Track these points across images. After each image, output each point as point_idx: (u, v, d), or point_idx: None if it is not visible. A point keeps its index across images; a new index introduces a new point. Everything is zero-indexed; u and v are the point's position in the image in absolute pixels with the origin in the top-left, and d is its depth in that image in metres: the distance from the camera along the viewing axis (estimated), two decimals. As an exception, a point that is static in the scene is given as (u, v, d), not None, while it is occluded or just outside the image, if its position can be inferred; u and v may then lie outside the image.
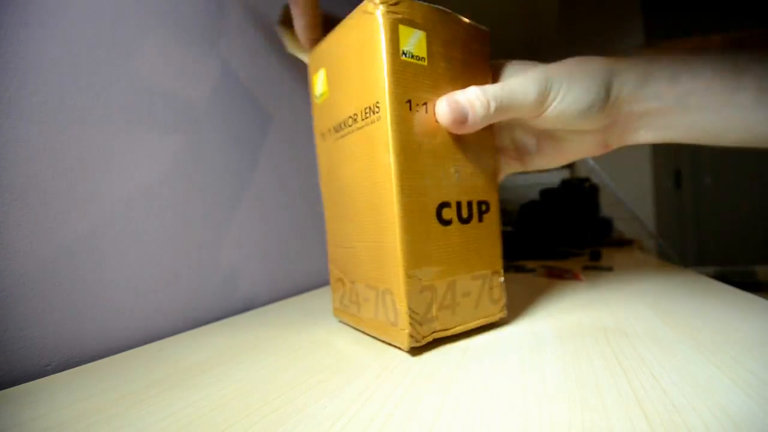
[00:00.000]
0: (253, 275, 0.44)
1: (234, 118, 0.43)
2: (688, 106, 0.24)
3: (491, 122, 0.25)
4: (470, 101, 0.24)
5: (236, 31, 0.44)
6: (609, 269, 0.52)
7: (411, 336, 0.22)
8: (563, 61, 0.26)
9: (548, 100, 0.24)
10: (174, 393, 0.19)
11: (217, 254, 0.39)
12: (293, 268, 0.51)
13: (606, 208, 1.11)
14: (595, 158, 1.36)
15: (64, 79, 0.27)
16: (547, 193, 0.85)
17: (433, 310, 0.24)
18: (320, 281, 0.55)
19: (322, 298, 0.44)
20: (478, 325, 0.26)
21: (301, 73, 0.55)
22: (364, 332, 0.28)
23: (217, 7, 0.41)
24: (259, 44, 0.47)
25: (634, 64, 0.25)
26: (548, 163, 0.32)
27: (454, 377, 0.19)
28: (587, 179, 0.86)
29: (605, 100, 0.24)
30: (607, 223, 0.90)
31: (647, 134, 0.27)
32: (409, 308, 0.22)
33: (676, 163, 2.61)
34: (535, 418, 0.15)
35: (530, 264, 0.58)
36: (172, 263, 0.35)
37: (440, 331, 0.24)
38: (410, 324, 0.22)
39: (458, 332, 0.25)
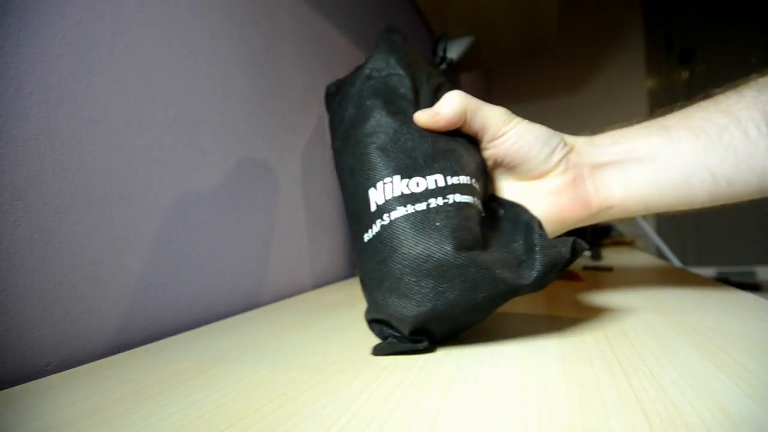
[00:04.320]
0: (253, 275, 0.44)
1: (234, 117, 0.43)
2: (634, 157, 0.28)
3: (462, 118, 0.27)
4: (447, 98, 0.27)
5: (237, 30, 0.44)
6: (609, 269, 0.52)
7: None
8: None
9: (512, 121, 0.28)
10: (174, 393, 0.19)
11: (217, 254, 0.39)
12: (293, 268, 0.51)
13: (606, 208, 1.11)
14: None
15: (64, 79, 0.27)
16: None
17: None
18: (320, 281, 0.55)
19: (322, 298, 0.44)
20: None
21: (302, 74, 0.55)
22: None
23: (219, 5, 0.41)
24: (261, 44, 0.47)
25: (575, 137, 0.30)
26: None
27: (454, 377, 0.19)
28: None
29: (559, 141, 0.28)
30: (606, 223, 0.90)
31: (619, 189, 0.28)
32: None
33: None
34: (535, 418, 0.15)
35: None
36: (172, 263, 0.35)
37: None
38: None
39: None
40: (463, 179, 0.25)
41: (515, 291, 0.22)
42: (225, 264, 0.40)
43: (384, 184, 0.25)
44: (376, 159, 0.26)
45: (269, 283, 0.46)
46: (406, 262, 0.22)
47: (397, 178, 0.25)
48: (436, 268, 0.22)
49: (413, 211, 0.23)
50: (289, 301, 0.44)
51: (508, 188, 0.30)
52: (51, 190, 0.26)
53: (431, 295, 0.22)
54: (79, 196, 0.28)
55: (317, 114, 0.58)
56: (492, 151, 0.28)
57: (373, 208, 0.25)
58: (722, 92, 0.28)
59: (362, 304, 0.38)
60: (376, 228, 0.24)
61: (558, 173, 0.28)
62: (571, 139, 0.29)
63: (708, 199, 0.27)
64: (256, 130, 0.46)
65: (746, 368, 0.18)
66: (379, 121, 0.27)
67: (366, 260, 0.25)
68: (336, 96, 0.32)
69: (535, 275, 0.22)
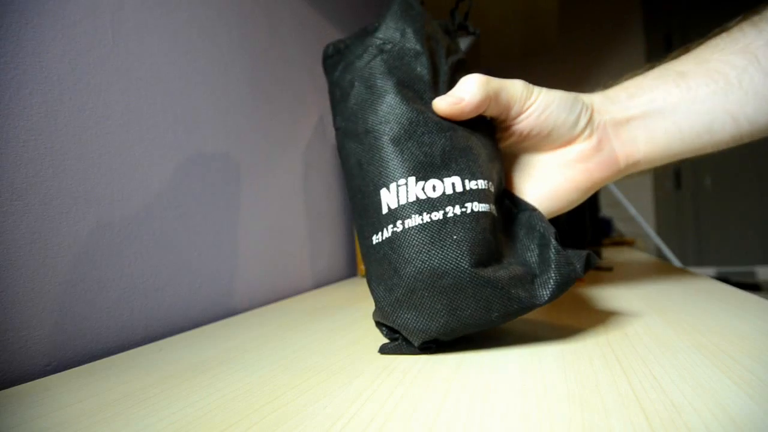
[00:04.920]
0: (252, 275, 0.44)
1: (234, 117, 0.43)
2: (655, 110, 0.27)
3: (487, 103, 0.25)
4: (467, 82, 0.25)
5: (237, 30, 0.44)
6: (609, 269, 0.51)
7: None
8: None
9: (534, 94, 0.27)
10: (174, 393, 0.19)
11: (217, 254, 0.39)
12: (293, 268, 0.51)
13: (606, 208, 1.11)
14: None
15: (64, 79, 0.27)
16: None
17: None
18: (321, 281, 0.55)
19: (322, 298, 0.44)
20: None
21: (302, 74, 0.55)
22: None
23: (219, 5, 0.41)
24: (262, 44, 0.47)
25: (590, 95, 0.29)
26: (556, 206, 0.30)
27: (454, 377, 0.19)
28: None
29: (582, 106, 0.27)
30: (607, 223, 0.90)
31: (643, 143, 0.28)
32: None
33: (676, 164, 2.61)
34: (535, 418, 0.15)
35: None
36: (172, 263, 0.35)
37: None
38: None
39: None
40: (481, 183, 0.24)
41: (529, 309, 0.22)
42: (225, 264, 0.40)
43: (398, 186, 0.23)
44: (390, 155, 0.23)
45: (269, 282, 0.46)
46: (421, 276, 0.21)
47: (412, 180, 0.23)
48: (452, 285, 0.21)
49: (429, 220, 0.22)
50: (289, 301, 0.44)
51: (534, 161, 0.30)
52: (51, 190, 0.26)
53: (444, 311, 0.21)
54: (79, 196, 0.28)
55: (317, 113, 0.58)
56: (518, 126, 0.27)
57: (384, 210, 0.23)
58: (738, 25, 0.27)
59: (362, 304, 0.38)
60: (387, 233, 0.23)
61: (584, 138, 0.28)
62: (588, 99, 0.28)
63: (731, 140, 0.27)
64: (257, 130, 0.46)
65: (746, 368, 0.18)
66: (393, 107, 0.24)
67: (375, 263, 0.24)
68: (338, 64, 0.28)
69: (548, 295, 0.22)
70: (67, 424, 0.17)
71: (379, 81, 0.25)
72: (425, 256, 0.21)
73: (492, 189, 0.25)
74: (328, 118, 0.60)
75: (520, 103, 0.26)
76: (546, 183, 0.29)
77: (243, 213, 0.43)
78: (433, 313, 0.21)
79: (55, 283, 0.26)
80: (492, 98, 0.25)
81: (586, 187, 0.29)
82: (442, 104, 0.25)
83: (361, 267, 0.56)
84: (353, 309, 0.36)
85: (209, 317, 0.37)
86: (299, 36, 0.55)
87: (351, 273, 0.63)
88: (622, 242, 0.85)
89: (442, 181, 0.23)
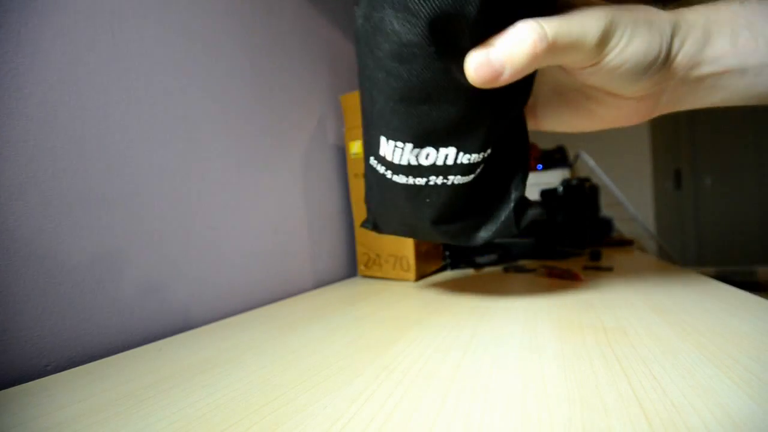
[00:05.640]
0: (253, 275, 0.44)
1: (235, 117, 0.43)
2: (745, 68, 0.22)
3: (540, 66, 0.21)
4: (515, 43, 0.20)
5: (238, 29, 0.44)
6: (609, 269, 0.51)
7: (414, 276, 0.50)
8: (627, 5, 0.22)
9: (609, 45, 0.21)
10: (174, 393, 0.19)
11: (217, 254, 0.39)
12: (294, 267, 0.51)
13: (606, 208, 1.11)
14: (595, 158, 1.36)
15: (64, 78, 0.27)
16: (547, 193, 0.85)
17: (421, 264, 0.51)
18: (321, 281, 0.55)
19: (322, 298, 0.44)
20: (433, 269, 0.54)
21: (303, 73, 0.55)
22: (384, 278, 0.53)
23: (220, 4, 0.41)
24: (263, 43, 0.47)
25: (695, 21, 0.22)
26: (568, 127, 0.28)
27: (454, 377, 0.19)
28: (587, 179, 0.86)
29: (665, 60, 0.22)
30: (607, 223, 0.90)
31: (697, 101, 0.25)
32: (414, 263, 0.49)
33: (676, 164, 2.61)
34: (535, 418, 0.15)
35: (530, 264, 0.58)
36: (172, 263, 0.35)
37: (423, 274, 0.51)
38: (414, 270, 0.50)
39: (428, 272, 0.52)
40: (474, 157, 0.24)
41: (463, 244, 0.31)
42: (225, 264, 0.40)
43: (395, 146, 0.24)
44: (394, 114, 0.22)
45: (270, 282, 0.46)
46: (392, 214, 0.30)
47: (409, 146, 0.23)
48: (412, 227, 0.30)
49: (412, 183, 0.26)
50: (289, 301, 0.44)
51: (564, 87, 0.27)
52: (51, 190, 0.26)
53: (401, 232, 0.32)
54: (79, 196, 0.28)
55: (318, 113, 0.58)
56: (578, 78, 0.24)
57: (381, 152, 0.25)
58: None
59: (362, 304, 0.38)
60: (379, 168, 0.27)
61: (639, 98, 0.24)
62: (680, 42, 0.22)
63: None
64: (257, 130, 0.46)
65: (746, 368, 0.18)
66: (420, 54, 0.20)
67: (369, 173, 0.29)
68: None
69: (482, 239, 0.29)
70: (67, 424, 0.17)
71: (413, 4, 0.19)
72: (400, 205, 0.28)
73: (486, 155, 0.26)
74: (329, 118, 0.60)
75: (591, 54, 0.21)
76: (568, 111, 0.28)
77: (243, 213, 0.43)
78: (393, 229, 0.32)
79: (55, 283, 0.26)
80: (545, 61, 0.20)
81: (606, 123, 0.27)
82: (474, 70, 0.20)
83: (361, 267, 0.56)
84: (353, 309, 0.36)
85: (209, 317, 0.37)
86: (301, 35, 0.55)
87: (351, 273, 0.63)
88: (622, 242, 0.85)
89: (437, 151, 0.24)
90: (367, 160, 0.28)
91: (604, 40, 0.20)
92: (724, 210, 2.44)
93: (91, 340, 0.28)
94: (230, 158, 0.42)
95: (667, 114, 0.27)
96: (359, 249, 0.56)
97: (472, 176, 0.26)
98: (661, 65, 0.22)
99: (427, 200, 0.26)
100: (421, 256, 0.52)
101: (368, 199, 0.32)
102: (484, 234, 0.30)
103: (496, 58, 0.20)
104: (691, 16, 0.22)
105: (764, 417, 0.14)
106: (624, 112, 0.26)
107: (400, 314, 0.33)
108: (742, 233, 2.36)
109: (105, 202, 0.30)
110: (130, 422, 0.17)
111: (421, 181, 0.25)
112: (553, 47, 0.20)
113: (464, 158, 0.24)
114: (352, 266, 0.64)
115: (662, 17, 0.22)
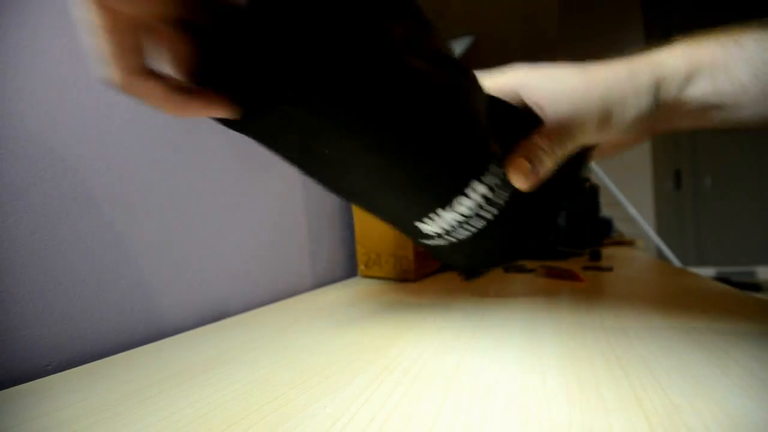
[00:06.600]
0: (253, 275, 0.44)
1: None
2: (724, 105, 0.25)
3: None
4: (538, 157, 0.24)
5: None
6: (609, 269, 0.51)
7: (414, 276, 0.50)
8: (608, 70, 0.25)
9: (606, 127, 0.24)
10: (174, 393, 0.19)
11: (217, 254, 0.39)
12: (294, 268, 0.51)
13: (606, 208, 1.11)
14: (594, 158, 1.35)
15: (64, 78, 0.27)
16: (547, 193, 0.85)
17: (421, 264, 0.51)
18: (321, 281, 0.55)
19: (322, 298, 0.44)
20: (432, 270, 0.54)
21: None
22: (384, 278, 0.53)
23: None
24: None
25: (677, 66, 0.25)
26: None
27: (454, 377, 0.19)
28: (587, 179, 0.86)
29: (653, 111, 0.25)
30: (607, 223, 0.90)
31: (688, 125, 0.27)
32: (414, 263, 0.50)
33: (676, 164, 2.61)
34: (535, 418, 0.15)
35: (530, 264, 0.58)
36: (172, 263, 0.35)
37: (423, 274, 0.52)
38: (414, 270, 0.50)
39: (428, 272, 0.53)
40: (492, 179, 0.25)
41: None
42: (225, 264, 0.40)
43: (431, 218, 0.25)
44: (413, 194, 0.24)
45: (270, 283, 0.46)
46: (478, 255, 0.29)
47: (439, 211, 0.24)
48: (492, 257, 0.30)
49: (475, 230, 0.25)
50: (289, 301, 0.44)
51: None
52: (51, 190, 0.26)
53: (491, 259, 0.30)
54: (79, 196, 0.28)
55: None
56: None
57: (431, 233, 0.26)
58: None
59: (362, 304, 0.38)
60: (441, 241, 0.27)
61: (630, 135, 0.28)
62: (665, 91, 0.24)
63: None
64: (256, 130, 0.46)
65: (746, 368, 0.18)
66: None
67: (428, 249, 0.30)
68: None
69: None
70: (67, 424, 0.17)
71: None
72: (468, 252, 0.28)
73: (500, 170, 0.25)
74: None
75: (590, 142, 0.25)
76: None
77: (243, 213, 0.43)
78: (488, 263, 0.31)
79: (55, 283, 0.26)
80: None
81: (603, 154, 0.30)
82: (522, 181, 0.24)
83: (361, 267, 0.56)
84: (353, 309, 0.36)
85: (209, 317, 0.37)
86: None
87: (351, 273, 0.63)
88: (622, 242, 0.85)
89: (468, 197, 0.23)
90: (418, 243, 0.29)
91: (602, 127, 0.24)
92: (724, 210, 2.44)
93: (91, 340, 0.28)
94: (230, 158, 0.42)
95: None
96: (359, 249, 0.56)
97: (507, 195, 0.25)
98: (648, 114, 0.24)
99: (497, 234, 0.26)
100: (421, 256, 0.52)
101: (442, 260, 0.32)
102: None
103: (525, 171, 0.24)
104: (672, 61, 0.25)
105: (764, 417, 0.14)
106: (621, 143, 0.29)
107: (400, 314, 0.33)
108: (742, 233, 2.36)
109: (105, 202, 0.30)
110: (130, 422, 0.17)
111: (479, 222, 0.25)
112: (562, 153, 0.24)
113: (488, 192, 0.24)
114: (352, 266, 0.64)
115: (643, 73, 0.24)
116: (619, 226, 1.31)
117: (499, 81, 0.26)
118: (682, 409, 0.14)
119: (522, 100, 0.25)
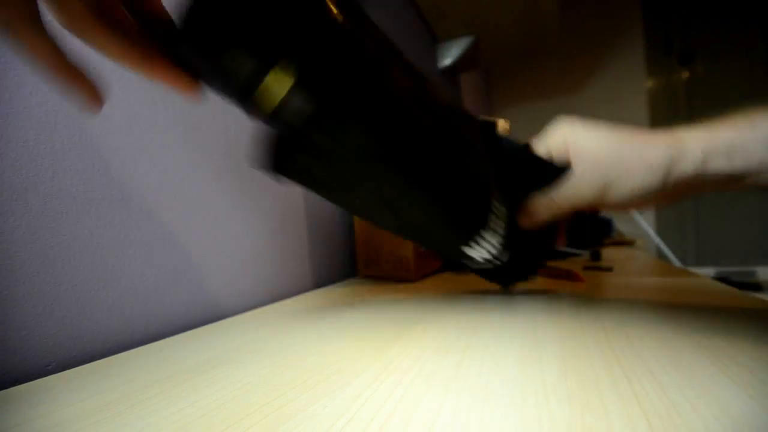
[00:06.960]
0: (253, 275, 0.44)
1: (235, 116, 0.43)
2: (744, 176, 0.26)
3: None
4: (540, 209, 0.31)
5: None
6: (609, 269, 0.52)
7: (414, 276, 0.51)
8: (622, 139, 0.27)
9: (605, 198, 0.28)
10: (174, 393, 0.19)
11: (217, 254, 0.39)
12: (293, 268, 0.51)
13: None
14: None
15: (64, 79, 0.27)
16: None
17: (421, 264, 0.53)
18: (321, 281, 0.55)
19: (321, 299, 0.44)
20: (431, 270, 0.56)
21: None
22: (384, 278, 0.54)
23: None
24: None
25: (695, 147, 0.26)
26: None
27: (454, 377, 0.19)
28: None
29: (662, 185, 0.27)
30: (607, 223, 0.90)
31: (710, 191, 0.28)
32: (414, 263, 0.50)
33: (676, 163, 2.60)
34: (535, 418, 0.15)
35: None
36: (172, 263, 0.35)
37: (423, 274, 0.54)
38: (414, 270, 0.51)
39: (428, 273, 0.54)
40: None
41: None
42: (225, 264, 0.40)
43: (478, 242, 0.30)
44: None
45: (269, 283, 0.46)
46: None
47: (484, 233, 0.30)
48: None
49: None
50: (289, 301, 0.44)
51: None
52: (51, 190, 0.26)
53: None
54: (79, 196, 0.28)
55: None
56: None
57: (478, 258, 0.32)
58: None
59: (362, 304, 0.38)
60: (488, 265, 0.34)
61: (644, 205, 0.29)
62: (679, 170, 0.26)
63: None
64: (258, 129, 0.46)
65: (746, 368, 0.18)
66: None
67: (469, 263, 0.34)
68: None
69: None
70: (67, 424, 0.17)
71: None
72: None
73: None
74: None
75: (589, 206, 0.29)
76: None
77: (243, 213, 0.43)
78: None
79: (55, 283, 0.26)
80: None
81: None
82: (523, 221, 0.32)
83: (361, 267, 0.56)
84: (353, 309, 0.36)
85: (209, 317, 0.37)
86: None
87: (351, 273, 0.63)
88: (622, 242, 0.85)
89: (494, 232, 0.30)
90: (458, 249, 0.32)
91: (599, 196, 0.28)
92: (724, 210, 2.44)
93: (92, 340, 0.28)
94: (230, 157, 0.42)
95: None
96: (359, 249, 0.56)
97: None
98: (658, 189, 0.27)
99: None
100: (420, 256, 0.52)
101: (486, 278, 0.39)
102: None
103: (549, 209, 0.30)
104: (692, 144, 0.26)
105: (764, 417, 0.14)
106: (639, 204, 0.30)
107: (399, 314, 0.33)
108: (742, 233, 2.36)
109: (105, 202, 0.30)
110: (130, 422, 0.17)
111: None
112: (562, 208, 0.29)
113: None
114: (351, 266, 0.64)
115: (660, 149, 0.26)
116: (619, 226, 1.31)
117: (556, 138, 0.30)
118: (682, 409, 0.14)
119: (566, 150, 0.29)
